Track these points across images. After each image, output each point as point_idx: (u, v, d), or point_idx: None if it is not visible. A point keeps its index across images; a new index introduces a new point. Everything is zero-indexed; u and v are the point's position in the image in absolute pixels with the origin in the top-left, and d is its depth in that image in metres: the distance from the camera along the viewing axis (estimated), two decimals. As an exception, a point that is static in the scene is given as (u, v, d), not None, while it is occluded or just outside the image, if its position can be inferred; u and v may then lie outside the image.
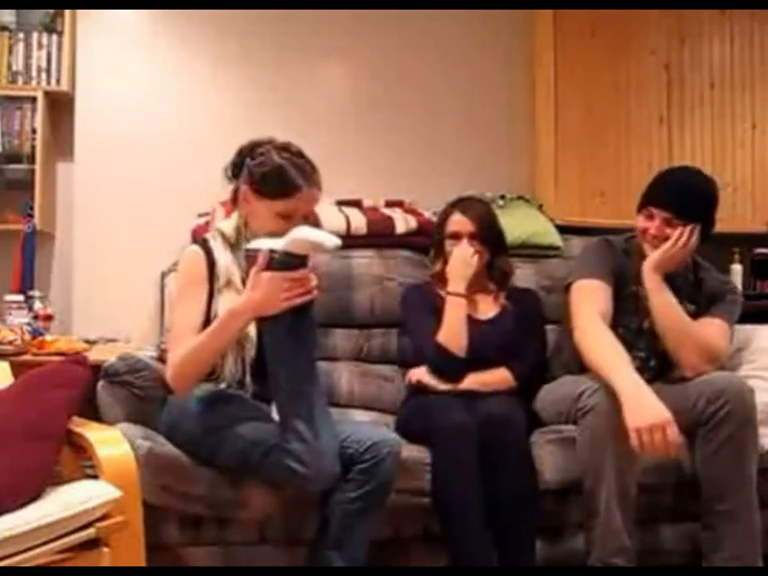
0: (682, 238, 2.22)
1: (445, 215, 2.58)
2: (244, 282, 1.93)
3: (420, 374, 2.43)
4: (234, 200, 2.08)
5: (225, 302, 1.96)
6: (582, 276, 2.33)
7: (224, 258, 2.01)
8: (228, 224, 2.09)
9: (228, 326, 1.86)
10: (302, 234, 1.84)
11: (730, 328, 2.34)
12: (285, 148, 2.03)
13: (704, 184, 2.32)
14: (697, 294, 2.37)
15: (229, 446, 1.91)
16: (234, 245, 2.04)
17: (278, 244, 1.84)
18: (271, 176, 1.98)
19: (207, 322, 1.95)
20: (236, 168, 2.07)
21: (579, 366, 2.23)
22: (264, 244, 1.86)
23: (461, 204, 2.58)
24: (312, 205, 2.05)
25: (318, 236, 1.84)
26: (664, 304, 2.24)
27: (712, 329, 2.28)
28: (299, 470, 1.79)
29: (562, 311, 2.46)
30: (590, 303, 2.26)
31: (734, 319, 2.37)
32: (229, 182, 2.09)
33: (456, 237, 2.51)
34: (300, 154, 2.04)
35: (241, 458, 1.90)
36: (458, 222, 2.52)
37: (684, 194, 2.27)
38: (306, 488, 1.86)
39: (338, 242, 1.85)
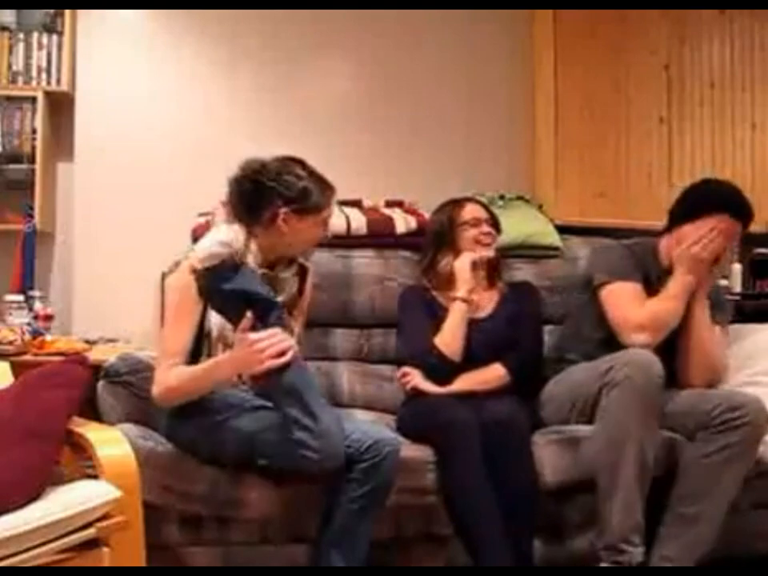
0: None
1: (453, 209, 2.60)
2: None
3: (415, 379, 2.42)
4: (269, 224, 2.07)
5: (217, 317, 1.99)
6: (619, 278, 2.36)
7: None
8: (229, 235, 2.06)
9: (213, 375, 1.93)
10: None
11: (727, 333, 2.42)
12: (293, 161, 2.11)
13: None
14: None
15: (234, 437, 1.92)
16: (239, 261, 2.03)
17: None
18: (309, 193, 2.08)
19: (201, 334, 1.98)
20: (253, 195, 2.06)
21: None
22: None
23: (465, 198, 2.65)
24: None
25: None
26: (700, 320, 2.30)
27: (716, 342, 2.34)
28: (309, 455, 1.80)
29: (569, 312, 2.48)
30: (635, 304, 2.31)
31: (727, 328, 2.46)
32: (243, 209, 2.09)
33: (477, 222, 2.54)
34: (303, 162, 2.12)
35: (248, 449, 1.91)
36: (475, 209, 2.58)
37: (744, 200, 2.35)
38: (320, 469, 1.86)
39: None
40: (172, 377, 1.94)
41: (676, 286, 2.28)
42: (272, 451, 1.88)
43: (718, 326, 2.37)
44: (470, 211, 2.57)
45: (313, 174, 2.11)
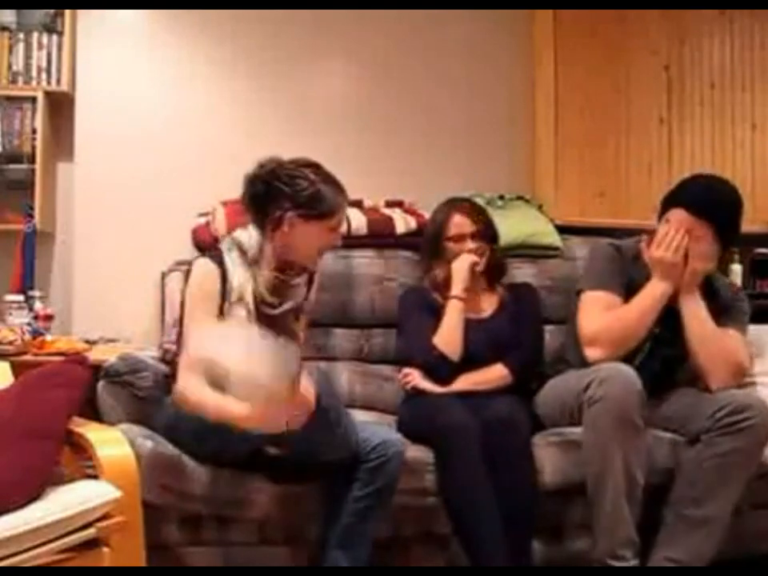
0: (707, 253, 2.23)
1: (443, 218, 2.57)
2: (256, 298, 1.98)
3: (415, 379, 2.42)
4: (276, 227, 2.05)
5: (234, 318, 1.97)
6: (595, 287, 2.34)
7: (238, 275, 2.01)
8: (246, 236, 2.07)
9: (228, 417, 1.79)
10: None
11: (745, 338, 2.34)
12: (307, 165, 2.09)
13: (728, 189, 2.32)
14: (711, 302, 2.31)
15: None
16: (252, 263, 2.03)
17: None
18: (319, 198, 2.05)
19: None
20: (264, 197, 2.05)
21: (582, 365, 2.24)
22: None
23: (458, 205, 2.60)
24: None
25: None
26: (699, 320, 2.24)
27: (733, 342, 2.27)
28: (319, 452, 1.82)
29: (570, 313, 2.47)
30: (595, 316, 2.27)
31: (746, 330, 2.37)
32: (253, 210, 2.07)
33: (460, 238, 2.51)
34: (318, 166, 2.10)
35: (257, 439, 1.88)
36: (460, 223, 2.53)
37: (709, 196, 2.26)
38: (329, 459, 1.88)
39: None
40: (192, 389, 1.82)
41: (645, 295, 2.23)
42: (284, 438, 1.85)
43: (734, 331, 2.29)
44: (456, 225, 2.53)
45: (326, 178, 2.09)
